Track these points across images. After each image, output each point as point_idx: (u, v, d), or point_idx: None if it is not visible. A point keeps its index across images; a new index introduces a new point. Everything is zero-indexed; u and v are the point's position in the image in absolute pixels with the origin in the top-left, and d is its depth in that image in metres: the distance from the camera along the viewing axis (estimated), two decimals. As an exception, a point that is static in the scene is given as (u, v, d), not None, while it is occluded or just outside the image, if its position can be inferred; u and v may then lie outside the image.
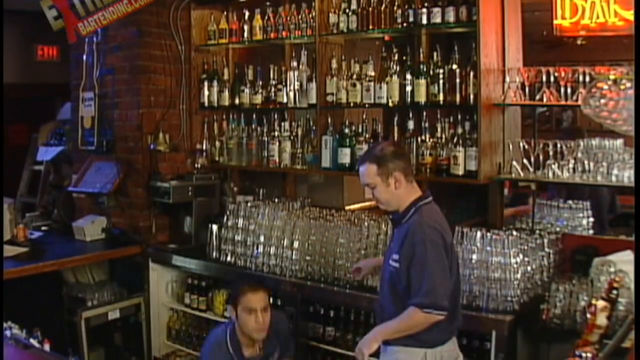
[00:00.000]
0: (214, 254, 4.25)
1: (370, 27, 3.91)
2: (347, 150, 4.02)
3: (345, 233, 3.70)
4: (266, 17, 4.40)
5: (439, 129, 3.73)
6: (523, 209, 4.23)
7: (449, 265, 2.81)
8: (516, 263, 3.18)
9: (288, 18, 4.29)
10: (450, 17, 3.61)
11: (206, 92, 4.77)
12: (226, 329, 3.46)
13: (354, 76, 4.01)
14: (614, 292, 2.40)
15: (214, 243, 4.26)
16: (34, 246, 4.61)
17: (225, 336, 3.41)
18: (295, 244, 3.84)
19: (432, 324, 2.76)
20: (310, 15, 4.17)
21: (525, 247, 3.29)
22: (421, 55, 3.80)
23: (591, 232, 3.91)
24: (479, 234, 3.27)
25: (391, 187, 2.89)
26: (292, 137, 4.34)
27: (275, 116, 4.43)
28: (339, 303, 3.67)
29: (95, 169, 4.93)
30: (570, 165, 3.41)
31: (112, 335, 4.66)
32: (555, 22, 3.56)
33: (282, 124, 4.38)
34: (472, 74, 3.55)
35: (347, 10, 3.99)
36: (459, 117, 3.65)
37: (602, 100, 2.61)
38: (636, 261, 2.62)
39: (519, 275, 3.17)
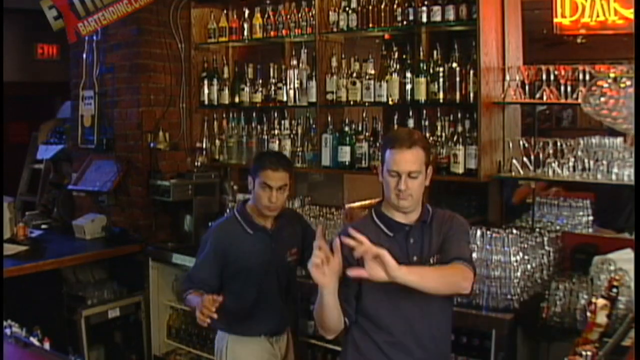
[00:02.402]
0: (214, 252, 4.25)
1: (370, 25, 3.91)
2: (347, 149, 4.01)
3: (345, 231, 3.70)
4: (266, 16, 4.40)
5: (439, 127, 3.72)
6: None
7: None
8: (516, 261, 3.17)
9: (288, 16, 4.28)
10: (451, 15, 3.61)
11: (206, 91, 4.77)
12: (234, 209, 3.31)
13: (354, 74, 4.01)
14: (614, 290, 2.40)
15: (214, 241, 4.26)
16: (34, 244, 4.62)
17: (233, 213, 3.28)
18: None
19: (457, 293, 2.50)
20: (310, 14, 4.16)
21: (525, 246, 3.29)
22: (421, 53, 3.80)
23: (591, 230, 3.91)
24: (478, 232, 3.27)
25: (425, 181, 2.50)
26: (292, 136, 4.33)
27: (275, 114, 4.42)
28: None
29: (95, 168, 4.93)
30: (570, 164, 3.40)
31: (112, 334, 4.65)
32: (555, 20, 3.56)
33: (282, 122, 4.37)
34: (472, 72, 3.54)
35: (347, 9, 3.99)
36: (459, 115, 3.65)
37: (602, 99, 2.61)
38: (636, 259, 2.62)
39: (519, 274, 3.17)
